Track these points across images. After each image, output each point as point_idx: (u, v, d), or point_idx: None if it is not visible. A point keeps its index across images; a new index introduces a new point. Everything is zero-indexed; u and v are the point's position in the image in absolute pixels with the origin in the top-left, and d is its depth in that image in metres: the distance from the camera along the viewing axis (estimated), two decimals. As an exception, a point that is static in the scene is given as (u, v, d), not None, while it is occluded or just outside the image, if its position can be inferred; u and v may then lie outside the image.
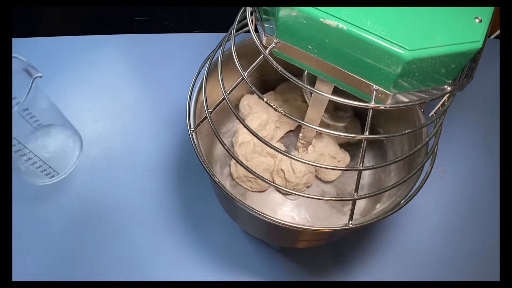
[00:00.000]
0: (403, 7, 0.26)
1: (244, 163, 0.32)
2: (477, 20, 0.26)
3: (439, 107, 0.32)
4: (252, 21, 0.32)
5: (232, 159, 0.45)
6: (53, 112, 0.44)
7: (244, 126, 0.31)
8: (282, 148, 0.47)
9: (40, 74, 0.37)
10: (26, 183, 0.48)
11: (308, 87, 0.28)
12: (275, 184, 0.36)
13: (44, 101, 0.41)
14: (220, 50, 0.36)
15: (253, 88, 0.30)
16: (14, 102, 0.41)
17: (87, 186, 0.50)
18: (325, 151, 0.46)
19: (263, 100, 0.30)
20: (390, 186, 0.32)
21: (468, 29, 0.26)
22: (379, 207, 0.39)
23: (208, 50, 0.39)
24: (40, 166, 0.43)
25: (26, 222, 0.47)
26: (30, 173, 0.44)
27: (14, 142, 0.38)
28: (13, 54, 0.37)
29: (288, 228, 0.32)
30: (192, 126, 0.36)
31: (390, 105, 0.28)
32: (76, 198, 0.49)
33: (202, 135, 0.42)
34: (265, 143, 0.30)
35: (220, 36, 0.37)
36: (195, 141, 0.36)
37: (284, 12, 0.27)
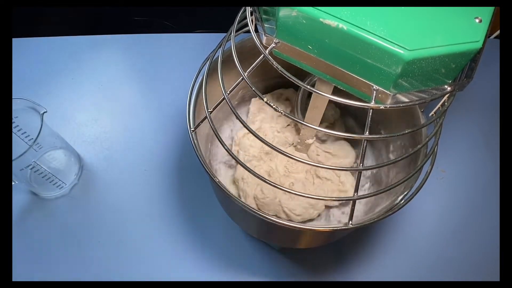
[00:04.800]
0: (403, 7, 0.26)
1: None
2: (477, 20, 0.26)
3: (439, 107, 0.32)
4: (252, 21, 0.32)
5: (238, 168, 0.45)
6: (53, 137, 0.48)
7: (245, 127, 0.31)
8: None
9: (45, 110, 0.41)
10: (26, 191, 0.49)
11: (308, 87, 0.28)
12: (277, 185, 0.35)
13: (47, 130, 0.44)
14: (220, 50, 0.36)
15: (253, 88, 0.30)
16: (25, 136, 0.46)
17: (87, 186, 0.50)
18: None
19: (263, 100, 0.30)
20: (389, 186, 0.32)
21: (468, 29, 0.26)
22: (379, 207, 0.39)
23: (208, 50, 0.38)
24: (49, 178, 0.47)
25: (26, 222, 0.47)
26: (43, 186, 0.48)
27: (31, 162, 0.43)
28: (18, 96, 0.42)
29: (288, 228, 0.32)
30: (192, 126, 0.36)
31: (390, 105, 0.28)
32: (76, 198, 0.49)
33: (202, 135, 0.42)
34: (264, 142, 0.30)
35: (220, 36, 0.37)
36: (195, 141, 0.36)
37: (284, 12, 0.27)
